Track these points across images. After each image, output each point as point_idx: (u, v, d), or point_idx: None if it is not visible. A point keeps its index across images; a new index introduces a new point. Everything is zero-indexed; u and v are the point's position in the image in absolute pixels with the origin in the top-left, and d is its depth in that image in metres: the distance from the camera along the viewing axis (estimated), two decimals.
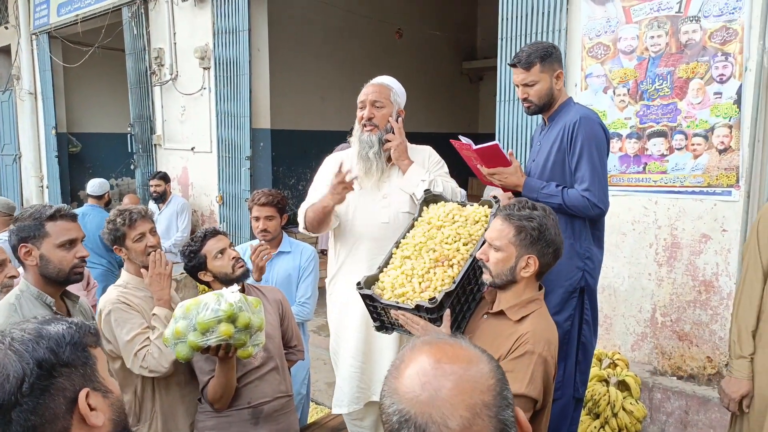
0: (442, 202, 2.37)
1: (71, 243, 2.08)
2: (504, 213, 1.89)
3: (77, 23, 7.65)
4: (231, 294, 2.07)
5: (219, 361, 2.17)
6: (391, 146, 2.63)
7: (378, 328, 2.24)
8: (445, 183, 2.60)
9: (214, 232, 2.48)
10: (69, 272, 2.07)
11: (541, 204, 1.92)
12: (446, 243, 2.17)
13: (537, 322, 1.84)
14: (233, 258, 2.42)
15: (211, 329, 2.02)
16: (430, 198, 2.43)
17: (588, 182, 2.40)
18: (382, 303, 2.09)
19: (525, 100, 2.56)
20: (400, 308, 2.03)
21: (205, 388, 2.31)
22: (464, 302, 2.08)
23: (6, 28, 9.29)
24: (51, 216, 2.05)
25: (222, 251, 2.42)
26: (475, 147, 2.49)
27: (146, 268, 2.36)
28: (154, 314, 2.30)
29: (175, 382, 2.37)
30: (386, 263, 2.23)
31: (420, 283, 2.08)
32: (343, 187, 2.53)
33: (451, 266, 2.09)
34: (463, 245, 2.15)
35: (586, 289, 2.47)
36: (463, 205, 2.33)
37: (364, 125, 2.65)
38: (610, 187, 3.60)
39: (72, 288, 2.26)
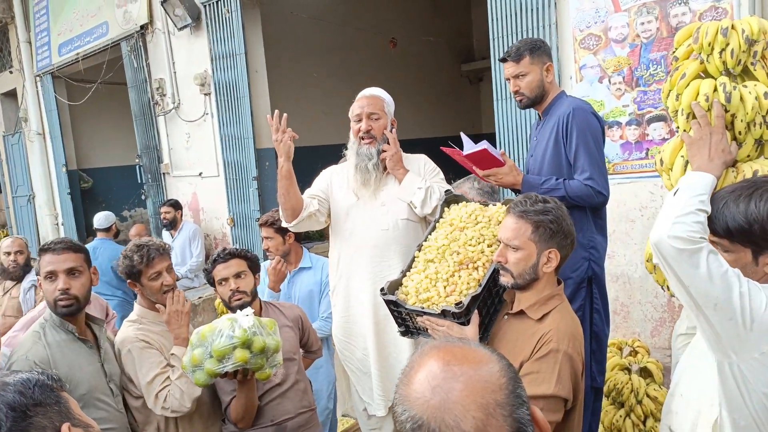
0: (464, 203, 2.31)
1: (51, 275, 2.10)
2: (517, 210, 1.83)
3: (78, 61, 7.79)
4: (245, 318, 2.08)
5: (239, 383, 2.20)
6: (387, 156, 2.65)
7: (403, 333, 2.20)
8: (441, 190, 2.61)
9: (226, 256, 2.47)
10: (54, 305, 2.10)
11: (549, 196, 1.91)
12: (470, 245, 2.10)
13: (559, 319, 1.79)
14: (231, 290, 2.41)
15: (227, 356, 2.02)
16: (451, 198, 2.36)
17: (589, 171, 2.42)
18: (407, 308, 2.05)
19: (517, 93, 2.60)
20: (425, 313, 1.99)
21: (227, 408, 2.34)
22: (490, 304, 2.03)
23: (11, 72, 9.48)
24: (42, 249, 2.13)
25: (224, 280, 2.43)
26: (464, 153, 2.51)
27: (164, 304, 2.33)
28: (173, 354, 2.28)
29: (198, 415, 2.34)
30: (409, 267, 2.19)
31: (445, 287, 2.03)
32: (282, 132, 2.56)
33: (476, 269, 2.04)
34: (488, 246, 2.09)
35: (593, 278, 2.48)
36: (486, 204, 2.28)
37: (362, 138, 2.68)
38: (615, 176, 3.64)
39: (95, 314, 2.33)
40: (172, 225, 6.20)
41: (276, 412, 2.38)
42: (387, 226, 2.64)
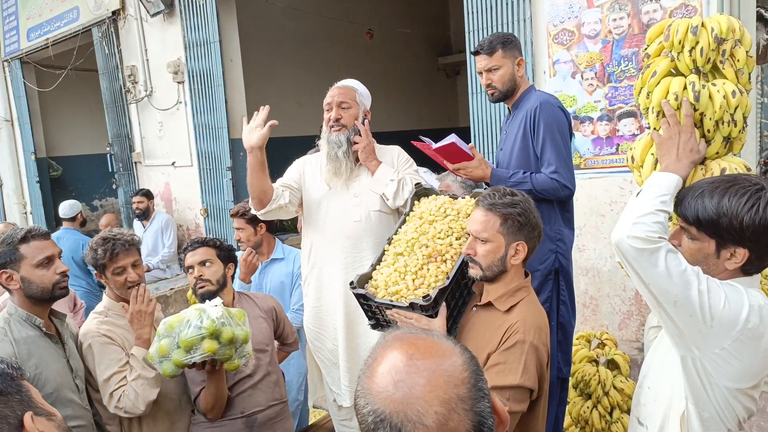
0: (434, 196, 2.34)
1: (49, 260, 2.08)
2: (486, 203, 1.86)
3: (48, 47, 7.60)
4: (213, 309, 2.06)
5: (207, 373, 2.19)
6: (359, 148, 2.65)
7: (373, 326, 2.22)
8: (414, 182, 2.62)
9: (195, 244, 2.46)
10: (53, 289, 2.08)
11: (517, 189, 1.94)
12: (439, 238, 2.13)
13: (526, 310, 1.82)
14: (195, 277, 2.40)
15: (194, 346, 2.01)
16: (421, 192, 2.39)
17: (555, 165, 2.47)
18: (376, 302, 2.07)
19: (489, 86, 2.64)
20: (394, 306, 2.01)
21: (197, 398, 2.32)
22: (459, 296, 2.06)
23: None
24: (23, 238, 2.06)
25: (191, 268, 2.42)
26: (434, 146, 2.54)
27: (128, 301, 2.29)
28: (132, 354, 2.23)
29: (164, 411, 2.32)
30: (379, 260, 2.21)
31: (413, 280, 2.06)
32: (257, 124, 2.55)
33: (444, 261, 2.07)
34: (456, 239, 2.12)
35: (560, 270, 2.52)
36: (455, 198, 2.30)
37: (332, 126, 2.68)
38: (586, 171, 3.69)
39: (60, 309, 2.28)
40: (145, 215, 6.11)
41: (247, 403, 2.37)
42: (359, 218, 2.64)
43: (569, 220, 2.63)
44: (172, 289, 5.57)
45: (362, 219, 2.64)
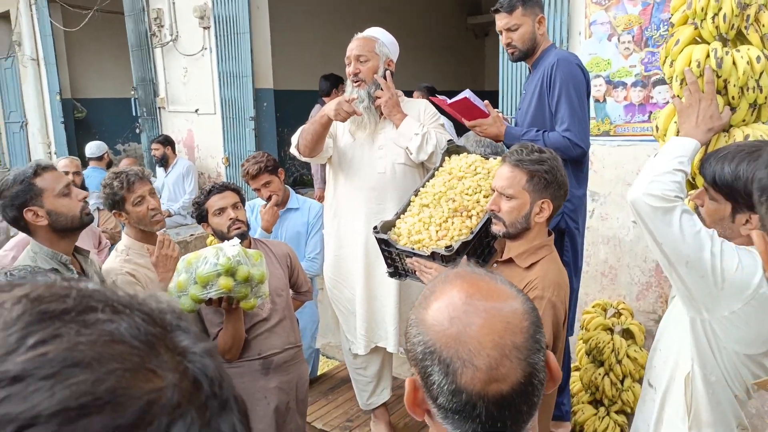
0: (465, 154, 2.33)
1: (68, 188, 2.06)
2: (513, 159, 1.84)
3: None
4: (230, 248, 2.09)
5: (225, 312, 2.22)
6: (381, 102, 2.61)
7: (391, 274, 2.24)
8: (439, 136, 2.59)
9: (222, 188, 2.47)
10: (81, 215, 2.06)
11: (550, 146, 1.93)
12: (466, 194, 2.14)
13: (547, 268, 1.82)
14: (230, 219, 2.40)
15: (210, 282, 2.04)
16: (453, 149, 2.38)
17: (568, 122, 2.44)
18: (397, 248, 2.08)
19: (509, 45, 2.60)
20: (415, 254, 2.02)
21: (215, 339, 2.36)
22: (480, 254, 2.07)
23: None
24: (35, 173, 2.01)
25: (222, 210, 2.41)
26: (448, 102, 2.52)
27: (148, 240, 2.32)
28: None
29: None
30: (404, 210, 2.21)
31: (437, 231, 2.06)
32: (346, 108, 2.50)
33: (470, 217, 2.07)
34: (484, 197, 2.11)
35: (566, 231, 2.52)
36: (486, 157, 2.30)
37: (353, 81, 2.64)
38: (615, 138, 3.61)
39: (85, 246, 2.29)
40: (163, 162, 6.12)
41: (263, 346, 2.41)
42: (384, 169, 2.63)
43: (582, 181, 2.63)
44: (192, 235, 5.63)
45: (386, 171, 2.63)
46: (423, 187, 2.25)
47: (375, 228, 2.14)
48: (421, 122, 2.64)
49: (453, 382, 0.78)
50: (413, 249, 2.04)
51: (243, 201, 2.53)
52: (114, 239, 3.98)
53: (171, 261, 2.30)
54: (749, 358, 1.48)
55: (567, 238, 2.56)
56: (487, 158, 2.29)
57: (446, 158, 2.35)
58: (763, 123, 1.79)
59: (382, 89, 2.61)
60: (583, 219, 2.70)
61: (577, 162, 2.57)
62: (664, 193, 1.46)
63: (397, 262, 2.17)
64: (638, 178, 1.55)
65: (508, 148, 2.53)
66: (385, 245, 2.13)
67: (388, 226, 2.18)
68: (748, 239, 1.47)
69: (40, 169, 2.03)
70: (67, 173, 4.34)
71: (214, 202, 2.43)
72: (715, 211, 1.52)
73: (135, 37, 7.03)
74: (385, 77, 2.63)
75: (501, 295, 0.84)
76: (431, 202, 2.15)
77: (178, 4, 6.50)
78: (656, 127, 1.90)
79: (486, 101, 2.60)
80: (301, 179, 8.13)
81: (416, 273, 2.05)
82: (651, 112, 3.47)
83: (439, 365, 0.79)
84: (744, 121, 1.76)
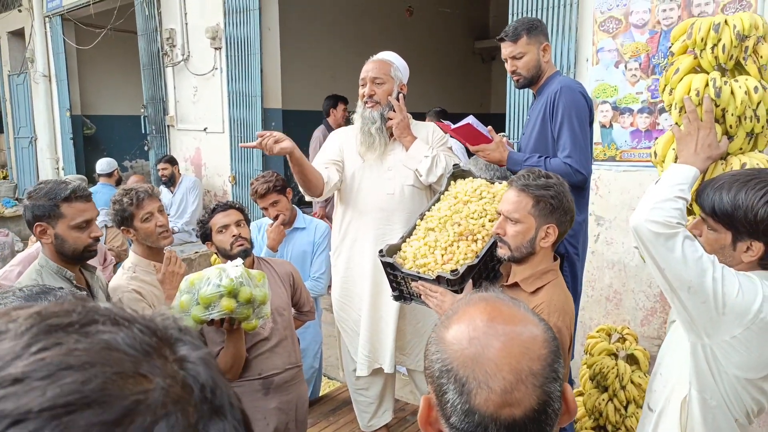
0: (471, 178, 2.35)
1: (86, 224, 2.07)
2: (519, 184, 1.85)
3: (90, 5, 7.67)
4: (233, 268, 2.08)
5: (226, 332, 2.21)
6: (392, 124, 2.64)
7: (396, 298, 2.24)
8: (448, 159, 2.61)
9: (226, 206, 2.48)
10: (83, 251, 2.08)
11: (552, 172, 1.93)
12: (472, 218, 2.14)
13: (552, 293, 1.82)
14: (233, 236, 2.40)
15: (213, 304, 2.03)
16: (458, 173, 2.40)
17: (569, 149, 2.47)
18: (403, 272, 2.08)
19: (514, 73, 2.64)
20: (420, 278, 2.02)
21: (215, 358, 2.35)
22: (485, 278, 2.07)
23: (19, 11, 9.34)
24: (67, 198, 2.03)
25: (225, 227, 2.41)
26: (452, 127, 2.56)
27: (155, 257, 2.32)
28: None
29: None
30: (410, 234, 2.22)
31: (443, 255, 2.07)
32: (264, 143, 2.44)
33: (475, 241, 2.08)
34: (489, 221, 2.12)
35: (566, 255, 2.53)
36: (492, 182, 2.32)
37: (366, 102, 2.67)
38: (621, 163, 3.62)
39: (91, 262, 2.30)
40: (171, 181, 6.16)
41: (264, 366, 2.40)
42: (393, 191, 2.65)
43: (583, 206, 2.65)
44: (197, 252, 5.65)
45: (395, 192, 2.64)
46: (429, 210, 2.26)
47: (381, 251, 2.14)
48: (430, 145, 2.66)
49: (467, 402, 0.79)
50: (419, 273, 2.04)
51: (247, 220, 2.53)
52: (120, 257, 3.99)
53: (177, 278, 2.30)
54: (750, 382, 1.48)
55: (566, 264, 2.57)
56: (493, 183, 2.31)
57: (452, 182, 2.36)
58: (760, 152, 1.82)
59: (394, 111, 2.63)
60: (584, 245, 2.71)
61: (579, 188, 2.58)
62: (666, 219, 1.47)
63: (402, 285, 2.17)
64: (640, 205, 1.57)
65: (511, 173, 2.55)
66: (391, 269, 2.13)
67: (394, 249, 2.18)
68: (748, 265, 1.49)
69: (74, 196, 2.05)
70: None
71: (218, 220, 2.44)
72: (716, 241, 1.53)
73: (147, 56, 7.13)
74: (398, 100, 2.66)
75: (522, 320, 0.85)
76: (437, 226, 2.15)
77: (191, 25, 6.60)
78: (654, 153, 1.93)
79: (489, 126, 2.63)
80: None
81: (421, 297, 2.05)
82: (656, 138, 3.48)
83: (454, 384, 0.80)
84: (741, 149, 1.79)
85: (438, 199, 2.30)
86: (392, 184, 2.65)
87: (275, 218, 3.24)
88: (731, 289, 1.41)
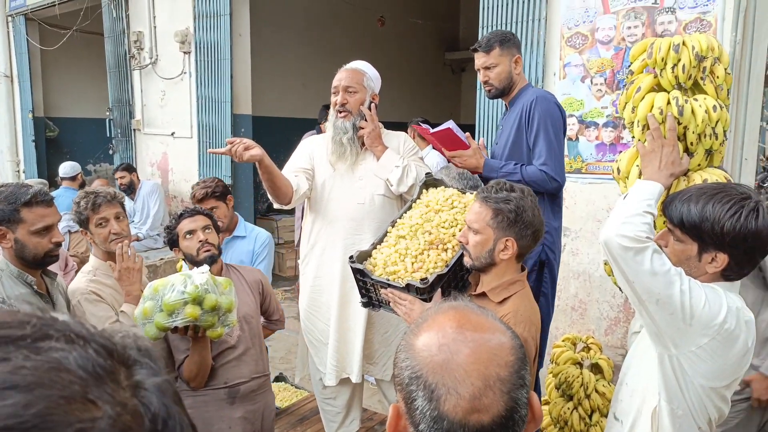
0: (442, 187, 2.36)
1: (47, 229, 2.03)
2: (482, 195, 1.88)
3: (55, 5, 7.52)
4: (199, 275, 2.05)
5: (191, 340, 2.18)
6: (364, 133, 2.64)
7: (365, 305, 2.24)
8: (419, 169, 2.63)
9: (193, 212, 2.44)
10: (44, 256, 2.04)
11: (520, 185, 1.93)
12: (443, 227, 2.15)
13: (519, 303, 1.84)
14: (200, 241, 2.37)
15: (177, 311, 2.00)
16: (431, 182, 2.40)
17: (545, 157, 2.53)
18: (372, 279, 2.08)
19: (486, 83, 2.70)
20: (390, 286, 2.02)
21: (181, 366, 2.32)
22: (454, 287, 2.08)
23: None
24: (27, 202, 1.99)
25: (192, 232, 2.38)
26: (431, 131, 2.60)
27: (113, 260, 2.28)
28: (122, 311, 2.24)
29: None
30: (380, 240, 2.22)
31: (412, 263, 2.07)
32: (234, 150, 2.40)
33: (446, 250, 2.09)
34: (459, 231, 2.11)
35: (546, 262, 2.57)
36: (463, 192, 2.33)
37: (338, 111, 2.66)
38: (586, 176, 3.70)
39: (51, 268, 2.25)
40: (130, 189, 6.00)
41: (230, 375, 2.37)
42: (363, 200, 2.64)
43: (558, 213, 2.72)
44: (162, 259, 5.55)
45: (366, 202, 2.64)
46: (400, 218, 2.26)
47: (351, 257, 2.14)
48: (401, 155, 2.67)
49: (436, 408, 0.79)
50: (388, 280, 2.04)
51: (216, 226, 2.50)
52: (83, 263, 3.89)
53: (134, 273, 2.28)
54: (714, 390, 1.53)
55: (546, 270, 2.61)
56: (464, 192, 2.32)
57: (423, 191, 2.37)
58: (716, 168, 1.89)
59: (366, 120, 2.64)
60: (559, 250, 2.77)
61: (553, 195, 2.65)
62: (636, 234, 1.51)
63: (371, 292, 2.17)
64: (609, 220, 1.60)
65: (484, 181, 2.58)
66: (361, 275, 2.12)
67: (364, 256, 2.18)
68: (711, 276, 1.54)
69: (35, 201, 2.00)
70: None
71: (185, 225, 2.40)
72: (682, 251, 1.57)
73: (113, 59, 7.01)
74: (369, 109, 2.67)
75: (490, 328, 0.86)
76: (408, 234, 2.16)
77: (160, 28, 6.51)
78: (617, 169, 1.98)
79: (467, 133, 2.67)
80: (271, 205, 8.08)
81: (390, 304, 2.05)
82: (621, 152, 3.56)
83: (424, 390, 0.80)
84: (699, 165, 1.86)
85: (409, 207, 2.30)
86: (363, 193, 2.65)
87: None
88: (698, 300, 1.46)
